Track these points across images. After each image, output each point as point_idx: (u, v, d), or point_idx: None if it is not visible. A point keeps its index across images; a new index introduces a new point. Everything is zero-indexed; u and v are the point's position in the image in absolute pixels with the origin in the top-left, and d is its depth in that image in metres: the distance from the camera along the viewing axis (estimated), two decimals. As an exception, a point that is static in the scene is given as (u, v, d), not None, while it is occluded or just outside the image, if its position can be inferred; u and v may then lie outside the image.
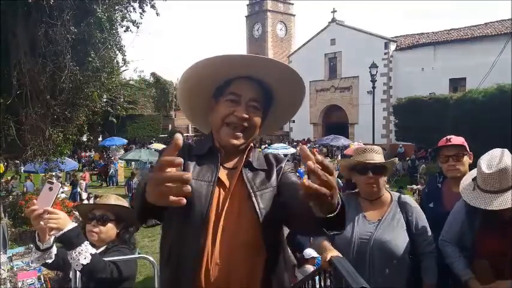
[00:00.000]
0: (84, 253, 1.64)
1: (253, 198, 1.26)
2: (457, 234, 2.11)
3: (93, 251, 1.70)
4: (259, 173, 1.33)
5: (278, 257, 1.31)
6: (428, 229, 2.12)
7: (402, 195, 2.21)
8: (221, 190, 1.28)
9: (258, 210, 1.24)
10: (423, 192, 2.99)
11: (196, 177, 1.25)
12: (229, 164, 1.35)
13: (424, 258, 2.09)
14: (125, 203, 2.08)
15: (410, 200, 2.19)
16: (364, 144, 2.47)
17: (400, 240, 2.01)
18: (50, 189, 1.59)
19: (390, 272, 1.98)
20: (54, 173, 12.84)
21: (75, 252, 1.63)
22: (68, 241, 1.62)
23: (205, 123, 1.46)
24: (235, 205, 1.26)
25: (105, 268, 1.74)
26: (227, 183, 1.30)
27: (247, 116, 1.28)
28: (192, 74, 1.32)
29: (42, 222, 1.55)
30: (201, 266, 1.19)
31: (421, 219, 2.12)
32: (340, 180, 9.49)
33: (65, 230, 1.60)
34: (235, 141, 1.29)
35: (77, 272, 1.75)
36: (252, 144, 1.39)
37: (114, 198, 2.07)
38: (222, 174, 1.31)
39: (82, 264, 1.63)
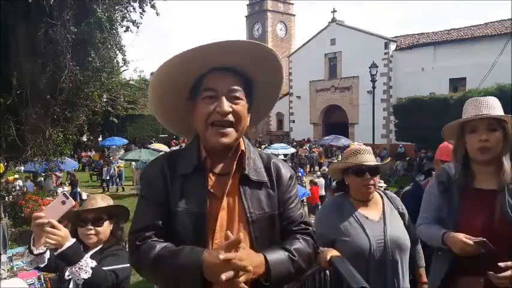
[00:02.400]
0: (85, 268, 1.64)
1: (250, 227, 1.21)
2: (431, 218, 1.93)
3: (93, 264, 1.69)
4: (257, 191, 1.25)
5: None
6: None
7: (386, 191, 2.31)
8: (212, 200, 1.21)
9: (253, 239, 1.21)
10: (407, 195, 2.76)
11: (186, 208, 1.19)
12: (219, 169, 1.26)
13: (414, 245, 2.17)
14: (110, 200, 2.08)
15: (393, 193, 2.32)
16: (364, 144, 2.46)
17: (405, 232, 2.08)
18: (63, 202, 1.57)
19: (405, 265, 2.04)
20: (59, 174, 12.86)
21: (75, 268, 1.63)
22: (67, 258, 1.63)
23: (186, 128, 1.35)
24: (228, 218, 1.22)
25: (106, 278, 1.74)
26: (218, 193, 1.22)
27: (230, 109, 1.17)
28: (158, 79, 1.22)
29: (43, 232, 1.55)
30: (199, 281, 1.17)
31: (406, 210, 2.23)
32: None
33: (64, 248, 1.59)
34: (225, 140, 1.19)
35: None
36: (242, 148, 1.27)
37: (100, 197, 2.06)
38: (212, 183, 1.23)
39: (83, 278, 1.63)
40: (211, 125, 1.19)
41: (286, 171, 1.34)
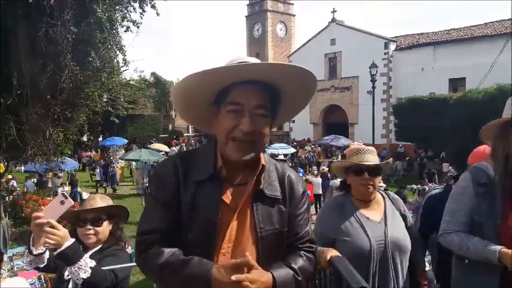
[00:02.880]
0: (84, 267, 1.64)
1: (259, 244, 1.21)
2: (463, 223, 1.78)
3: (93, 263, 1.68)
4: (270, 207, 1.25)
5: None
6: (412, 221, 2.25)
7: (388, 192, 2.31)
8: (225, 210, 1.20)
9: (260, 255, 1.21)
10: (435, 199, 2.71)
11: (197, 215, 1.17)
12: (236, 180, 1.24)
13: (414, 246, 2.17)
14: (109, 200, 2.08)
15: (395, 195, 2.30)
16: (364, 144, 2.46)
17: (406, 234, 2.08)
18: (62, 202, 1.57)
19: (405, 266, 2.04)
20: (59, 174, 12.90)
21: (74, 268, 1.63)
22: (66, 258, 1.62)
23: (207, 123, 1.32)
24: (238, 230, 1.21)
25: (106, 278, 1.74)
26: (231, 203, 1.21)
27: (253, 128, 1.14)
28: (187, 85, 1.20)
29: (42, 232, 1.55)
30: None
31: (408, 212, 2.21)
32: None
33: (63, 247, 1.59)
34: (245, 157, 1.17)
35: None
36: (263, 162, 1.25)
37: (99, 197, 2.06)
38: (227, 193, 1.21)
39: (82, 278, 1.63)
40: (232, 140, 1.17)
41: (299, 187, 1.33)
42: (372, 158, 2.07)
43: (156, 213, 1.21)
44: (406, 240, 2.04)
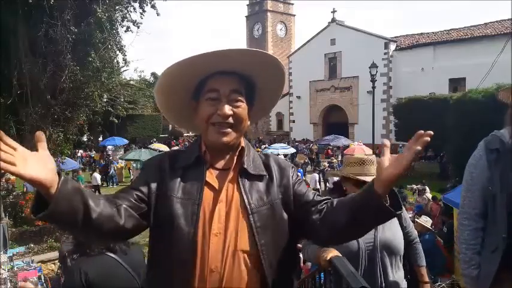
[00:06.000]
0: None
1: (251, 218, 1.20)
2: (475, 203, 1.69)
3: None
4: (256, 183, 1.27)
5: (281, 262, 1.24)
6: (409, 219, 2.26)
7: None
8: (210, 193, 1.23)
9: (254, 229, 1.19)
10: None
11: (181, 197, 1.20)
12: (220, 165, 1.29)
13: (413, 245, 2.20)
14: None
15: None
16: (364, 144, 2.46)
17: (398, 234, 2.08)
18: None
19: (396, 267, 2.04)
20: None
21: None
22: None
23: (188, 121, 1.42)
24: (227, 209, 1.21)
25: None
26: (216, 185, 1.24)
27: (231, 112, 1.22)
28: (165, 81, 1.27)
29: None
30: (195, 273, 1.15)
31: (405, 211, 2.25)
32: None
33: None
34: (225, 139, 1.23)
35: None
36: (243, 144, 1.31)
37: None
38: (211, 176, 1.26)
39: None
40: (212, 125, 1.24)
41: (285, 163, 1.39)
42: (374, 170, 2.05)
43: (129, 188, 1.25)
44: (397, 241, 2.04)
